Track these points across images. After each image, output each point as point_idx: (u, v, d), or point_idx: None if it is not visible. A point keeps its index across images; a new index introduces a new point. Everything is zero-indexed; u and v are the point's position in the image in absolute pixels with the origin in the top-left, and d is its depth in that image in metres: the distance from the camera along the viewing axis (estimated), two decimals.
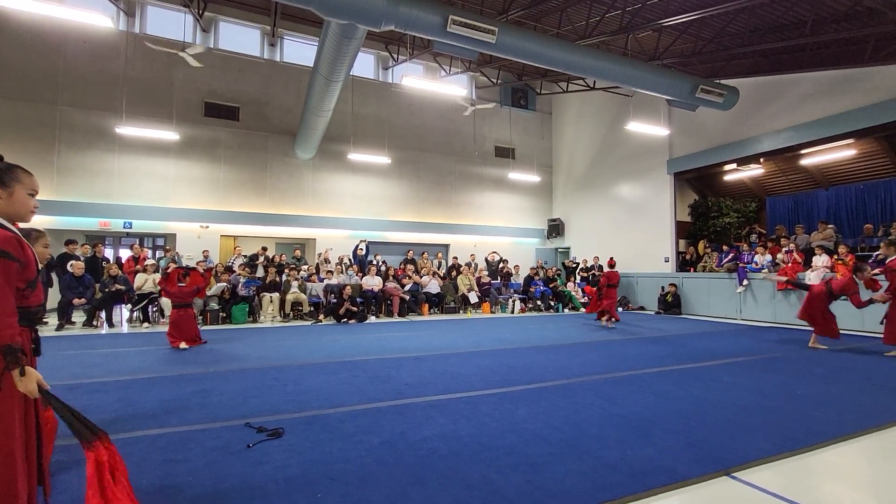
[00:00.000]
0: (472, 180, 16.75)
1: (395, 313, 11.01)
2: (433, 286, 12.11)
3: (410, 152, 15.72)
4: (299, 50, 14.46)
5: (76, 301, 8.28)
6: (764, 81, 11.31)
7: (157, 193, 12.63)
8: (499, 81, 16.27)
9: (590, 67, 9.15)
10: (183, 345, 6.37)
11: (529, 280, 13.63)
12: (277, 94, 14.09)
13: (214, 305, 9.46)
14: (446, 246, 16.08)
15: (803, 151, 11.34)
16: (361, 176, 14.97)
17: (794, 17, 9.25)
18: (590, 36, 10.49)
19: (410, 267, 12.45)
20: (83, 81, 12.03)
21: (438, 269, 13.43)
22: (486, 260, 14.49)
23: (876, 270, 6.75)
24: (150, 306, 9.08)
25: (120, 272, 9.19)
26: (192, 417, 3.37)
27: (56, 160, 11.72)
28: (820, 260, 9.12)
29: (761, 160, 12.19)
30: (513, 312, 12.47)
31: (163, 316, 9.19)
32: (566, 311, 13.18)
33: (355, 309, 9.95)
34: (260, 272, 10.70)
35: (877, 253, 8.34)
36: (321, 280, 11.01)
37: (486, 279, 13.15)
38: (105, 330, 8.32)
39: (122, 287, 8.79)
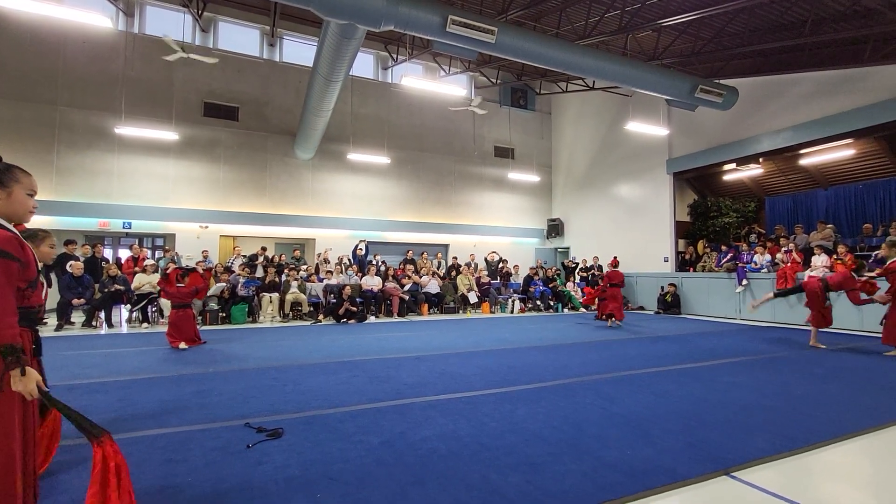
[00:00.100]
0: (472, 180, 16.75)
1: (394, 313, 11.00)
2: (433, 286, 12.11)
3: (410, 152, 15.71)
4: (299, 50, 14.46)
5: (75, 301, 8.28)
6: (763, 81, 11.32)
7: (157, 193, 12.62)
8: (498, 81, 16.26)
9: (589, 67, 9.15)
10: (182, 345, 6.37)
11: (529, 280, 13.63)
12: (277, 94, 14.09)
13: (214, 305, 9.46)
14: (446, 246, 16.08)
15: (802, 151, 11.35)
16: (361, 176, 14.97)
17: (793, 17, 9.26)
18: (589, 36, 10.49)
19: (410, 267, 12.44)
20: (82, 81, 12.02)
21: (438, 269, 13.44)
22: (486, 260, 14.50)
23: (876, 271, 6.76)
24: (150, 307, 9.08)
25: (119, 272, 9.20)
26: (191, 417, 3.37)
27: (55, 160, 11.71)
28: (819, 260, 9.13)
29: (760, 160, 12.19)
30: (512, 312, 12.47)
31: (162, 316, 9.19)
32: (566, 311, 13.18)
33: (355, 309, 9.95)
34: (259, 272, 10.70)
35: (876, 252, 8.36)
36: (321, 280, 11.01)
37: (485, 279, 13.15)
38: (104, 330, 8.31)
39: (122, 287, 8.79)
